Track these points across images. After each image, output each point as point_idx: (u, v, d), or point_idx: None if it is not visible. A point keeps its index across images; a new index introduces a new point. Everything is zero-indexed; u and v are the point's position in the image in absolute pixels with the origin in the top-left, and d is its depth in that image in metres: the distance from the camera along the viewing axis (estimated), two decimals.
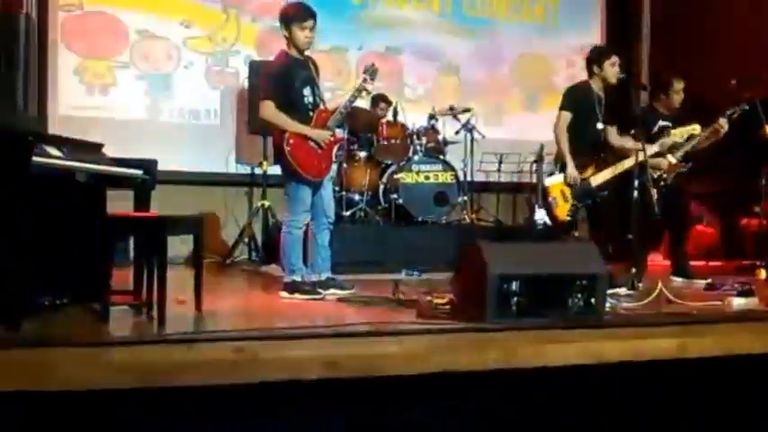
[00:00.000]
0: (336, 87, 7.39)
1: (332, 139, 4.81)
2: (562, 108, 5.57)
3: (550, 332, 3.50)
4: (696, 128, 5.54)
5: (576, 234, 5.49)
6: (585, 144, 5.49)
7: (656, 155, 5.51)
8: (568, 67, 8.70)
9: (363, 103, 5.66)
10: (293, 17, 4.70)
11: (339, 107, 4.85)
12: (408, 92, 8.18)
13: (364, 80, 4.87)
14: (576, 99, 5.55)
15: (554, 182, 5.52)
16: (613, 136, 5.60)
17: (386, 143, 7.05)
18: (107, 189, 4.06)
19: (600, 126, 5.52)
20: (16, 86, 5.78)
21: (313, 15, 4.70)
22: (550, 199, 5.49)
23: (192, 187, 7.13)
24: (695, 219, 7.17)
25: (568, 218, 5.45)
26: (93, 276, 3.70)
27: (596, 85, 5.54)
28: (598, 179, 5.46)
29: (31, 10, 6.46)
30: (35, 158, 3.28)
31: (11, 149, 3.23)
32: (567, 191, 5.45)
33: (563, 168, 5.51)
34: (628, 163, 5.31)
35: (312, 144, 4.71)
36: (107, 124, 6.86)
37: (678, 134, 5.54)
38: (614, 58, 5.49)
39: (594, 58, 5.54)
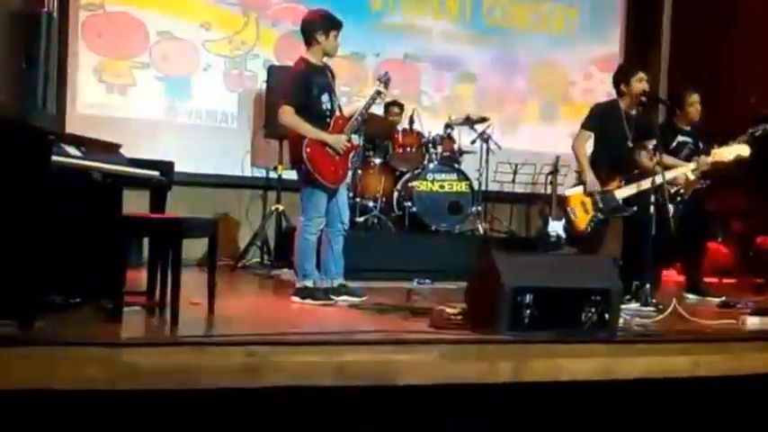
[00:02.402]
0: (353, 93, 7.40)
1: (349, 145, 4.82)
2: (583, 126, 5.52)
3: (563, 346, 3.48)
4: (745, 149, 5.36)
5: (602, 248, 5.38)
6: (613, 162, 5.39)
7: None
8: (586, 80, 8.69)
9: (376, 108, 5.68)
10: (331, 25, 4.75)
11: (355, 114, 4.87)
12: (425, 100, 8.17)
13: (378, 87, 4.90)
14: (598, 118, 5.47)
15: (573, 192, 5.43)
16: (644, 158, 5.46)
17: (401, 151, 7.05)
18: (123, 189, 4.07)
19: (630, 144, 5.42)
20: (36, 85, 5.82)
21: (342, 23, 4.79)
22: (569, 209, 5.41)
23: (207, 189, 7.16)
24: (711, 235, 7.11)
25: (588, 230, 5.36)
26: (106, 276, 3.71)
27: (625, 104, 5.45)
28: (624, 192, 5.36)
29: (52, 9, 6.48)
30: (53, 157, 3.30)
31: (31, 146, 3.25)
32: (588, 202, 5.36)
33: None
34: (656, 179, 5.20)
35: (330, 150, 4.72)
36: (125, 124, 6.87)
37: (726, 152, 5.34)
38: (641, 74, 5.42)
39: (622, 77, 5.46)
